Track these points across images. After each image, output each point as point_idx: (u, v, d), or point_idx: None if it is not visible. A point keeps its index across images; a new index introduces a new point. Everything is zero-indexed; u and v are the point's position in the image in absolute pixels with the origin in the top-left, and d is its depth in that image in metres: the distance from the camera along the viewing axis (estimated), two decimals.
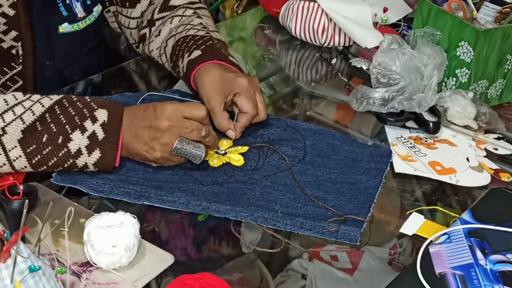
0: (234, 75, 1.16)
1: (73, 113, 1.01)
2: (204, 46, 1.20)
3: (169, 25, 1.29)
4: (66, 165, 1.00)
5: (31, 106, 0.99)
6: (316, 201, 1.04)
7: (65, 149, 0.99)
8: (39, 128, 0.99)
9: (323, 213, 1.02)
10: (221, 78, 1.14)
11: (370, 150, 1.16)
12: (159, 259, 0.91)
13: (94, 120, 1.01)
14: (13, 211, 0.93)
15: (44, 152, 0.98)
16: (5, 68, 1.22)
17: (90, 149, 1.00)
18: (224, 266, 0.93)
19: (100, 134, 1.01)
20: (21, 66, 1.22)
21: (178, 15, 1.30)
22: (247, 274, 0.94)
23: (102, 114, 1.02)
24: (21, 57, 1.21)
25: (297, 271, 0.94)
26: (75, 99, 1.02)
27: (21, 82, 1.24)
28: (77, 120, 1.00)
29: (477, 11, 1.34)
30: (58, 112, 1.00)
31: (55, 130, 0.99)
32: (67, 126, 1.00)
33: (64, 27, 1.26)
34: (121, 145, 1.02)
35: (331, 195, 1.06)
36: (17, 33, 1.19)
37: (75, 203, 0.99)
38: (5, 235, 0.77)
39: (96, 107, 1.02)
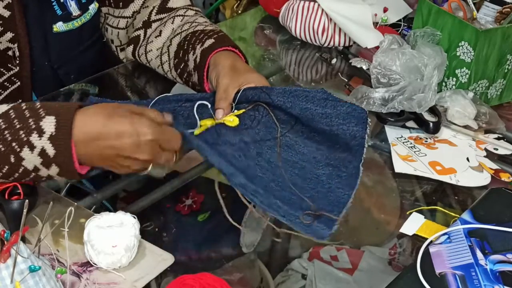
0: (248, 68, 1.16)
1: (18, 126, 0.90)
2: (216, 35, 1.19)
3: (170, 25, 1.28)
4: (31, 177, 0.93)
5: None
6: (294, 189, 1.01)
7: (22, 168, 0.91)
8: None
9: (298, 202, 0.99)
10: (235, 69, 1.13)
11: (345, 109, 1.09)
12: (159, 259, 0.91)
13: (40, 132, 0.90)
14: (13, 211, 0.93)
15: (4, 171, 0.91)
16: (2, 70, 1.21)
17: (46, 165, 0.91)
18: (224, 266, 0.94)
19: (50, 150, 0.90)
20: (18, 68, 1.21)
21: (179, 15, 1.29)
22: (247, 274, 0.94)
23: (49, 124, 0.91)
24: (17, 59, 1.20)
25: (297, 271, 0.94)
26: (24, 107, 0.92)
27: (18, 83, 1.23)
28: (23, 135, 0.90)
29: (477, 11, 1.34)
30: (3, 127, 0.90)
31: (3, 149, 0.90)
32: (13, 144, 0.90)
33: (59, 26, 1.24)
34: (75, 156, 0.91)
35: (309, 184, 1.03)
36: (13, 34, 1.17)
37: (75, 203, 0.99)
38: (5, 235, 0.77)
39: (43, 115, 0.91)
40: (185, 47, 1.22)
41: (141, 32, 1.32)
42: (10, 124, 0.90)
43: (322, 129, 1.08)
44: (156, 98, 1.15)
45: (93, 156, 0.92)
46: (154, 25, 1.31)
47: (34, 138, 0.90)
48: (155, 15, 1.31)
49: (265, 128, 1.08)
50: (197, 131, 1.06)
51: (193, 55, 1.19)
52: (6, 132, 0.90)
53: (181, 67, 1.23)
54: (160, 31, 1.29)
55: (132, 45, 1.34)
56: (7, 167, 0.91)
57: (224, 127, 1.05)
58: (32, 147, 0.90)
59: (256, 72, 1.16)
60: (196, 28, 1.24)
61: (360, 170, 1.05)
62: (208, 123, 1.09)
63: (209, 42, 1.18)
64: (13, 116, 0.91)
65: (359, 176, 1.04)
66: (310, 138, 1.09)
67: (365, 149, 1.06)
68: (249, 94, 1.10)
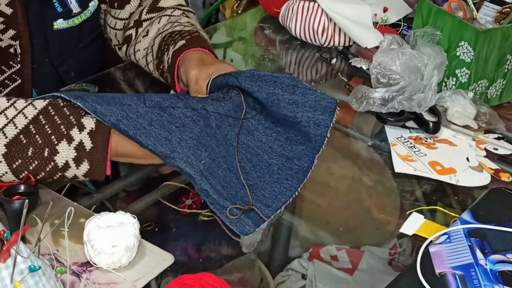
0: (216, 60, 1.16)
1: (59, 121, 0.95)
2: (189, 36, 1.19)
3: (157, 24, 1.28)
4: (55, 177, 0.96)
5: (14, 117, 0.94)
6: (239, 172, 1.01)
7: (52, 163, 0.94)
8: (24, 141, 0.93)
9: (236, 188, 0.99)
10: (203, 62, 1.13)
11: (314, 98, 1.06)
12: (159, 259, 0.91)
13: (81, 128, 0.95)
14: (13, 211, 0.93)
15: (31, 168, 0.94)
16: (3, 67, 1.21)
17: (77, 161, 0.95)
18: (224, 266, 0.94)
19: (88, 144, 0.95)
20: (19, 65, 1.22)
21: (166, 15, 1.29)
22: (247, 274, 0.94)
23: (89, 121, 0.95)
24: (19, 56, 1.21)
25: (297, 271, 0.94)
26: (62, 104, 0.96)
27: (19, 81, 1.23)
28: (63, 129, 0.94)
29: (477, 11, 1.34)
30: (43, 122, 0.94)
31: (40, 142, 0.94)
32: (52, 137, 0.94)
33: (59, 23, 1.24)
34: (110, 154, 0.96)
35: (257, 172, 1.03)
36: (15, 31, 1.18)
37: (75, 203, 0.99)
38: (5, 235, 0.77)
39: (83, 113, 0.96)
40: (162, 48, 1.22)
41: (133, 31, 1.32)
42: (50, 119, 0.95)
43: (286, 116, 1.05)
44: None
45: (125, 146, 0.97)
46: (144, 25, 1.31)
47: (74, 132, 0.95)
48: (146, 14, 1.31)
49: (232, 105, 1.06)
50: None
51: (166, 56, 1.20)
52: (46, 126, 0.94)
53: (161, 67, 1.24)
54: (148, 30, 1.29)
55: (126, 44, 1.34)
56: (36, 162, 0.94)
57: (189, 96, 1.04)
58: (70, 140, 0.94)
59: (225, 62, 1.16)
60: (175, 28, 1.24)
61: (313, 163, 1.04)
62: None
63: (180, 43, 1.18)
64: (53, 112, 0.95)
65: (310, 170, 1.03)
66: (271, 128, 1.07)
67: (326, 139, 1.04)
68: (218, 80, 1.09)
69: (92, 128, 0.95)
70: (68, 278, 0.86)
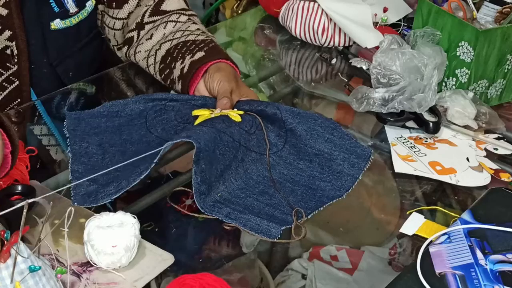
0: (244, 84, 1.23)
1: None
2: (207, 48, 1.22)
3: (162, 29, 1.29)
4: None
5: None
6: (278, 191, 1.04)
7: None
8: None
9: (259, 207, 1.01)
10: (237, 80, 1.20)
11: (350, 143, 1.12)
12: (159, 259, 0.91)
13: None
14: (13, 211, 0.93)
15: None
16: (0, 70, 1.21)
17: None
18: (224, 266, 0.94)
19: None
20: (16, 66, 1.22)
21: (172, 21, 1.30)
22: (247, 274, 0.94)
23: None
24: (16, 57, 1.21)
25: (297, 271, 0.94)
26: None
27: (17, 83, 1.23)
28: None
29: (477, 11, 1.34)
30: None
31: None
32: None
33: (56, 23, 1.24)
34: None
35: (281, 195, 1.05)
36: (11, 32, 1.18)
37: (75, 203, 0.99)
38: (5, 235, 0.77)
39: None
40: (174, 55, 1.24)
41: (135, 33, 1.32)
42: None
43: (322, 151, 1.10)
44: (136, 96, 1.19)
45: None
46: (146, 27, 1.31)
47: None
48: (148, 17, 1.31)
49: (257, 141, 1.10)
50: (197, 122, 1.09)
51: (181, 64, 1.21)
52: None
53: (166, 72, 1.25)
54: (152, 34, 1.30)
55: (127, 46, 1.35)
56: None
57: (229, 120, 1.08)
58: None
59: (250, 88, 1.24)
60: (187, 37, 1.26)
61: (341, 197, 1.06)
62: (205, 113, 1.10)
63: (199, 54, 1.21)
64: None
65: (335, 200, 1.05)
66: (292, 164, 1.11)
67: (357, 181, 1.08)
68: (254, 103, 1.15)
69: None
70: (68, 278, 0.86)
